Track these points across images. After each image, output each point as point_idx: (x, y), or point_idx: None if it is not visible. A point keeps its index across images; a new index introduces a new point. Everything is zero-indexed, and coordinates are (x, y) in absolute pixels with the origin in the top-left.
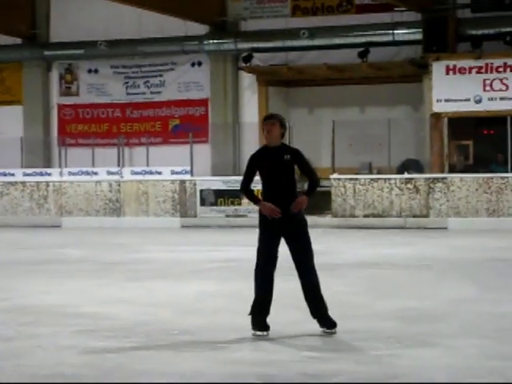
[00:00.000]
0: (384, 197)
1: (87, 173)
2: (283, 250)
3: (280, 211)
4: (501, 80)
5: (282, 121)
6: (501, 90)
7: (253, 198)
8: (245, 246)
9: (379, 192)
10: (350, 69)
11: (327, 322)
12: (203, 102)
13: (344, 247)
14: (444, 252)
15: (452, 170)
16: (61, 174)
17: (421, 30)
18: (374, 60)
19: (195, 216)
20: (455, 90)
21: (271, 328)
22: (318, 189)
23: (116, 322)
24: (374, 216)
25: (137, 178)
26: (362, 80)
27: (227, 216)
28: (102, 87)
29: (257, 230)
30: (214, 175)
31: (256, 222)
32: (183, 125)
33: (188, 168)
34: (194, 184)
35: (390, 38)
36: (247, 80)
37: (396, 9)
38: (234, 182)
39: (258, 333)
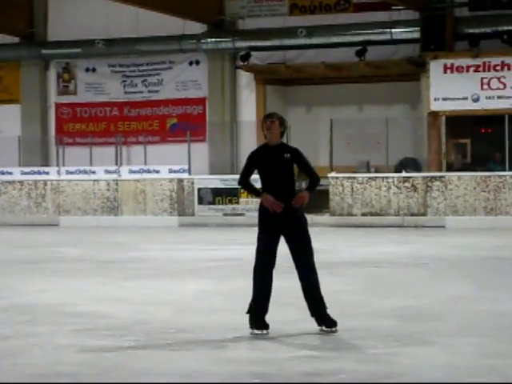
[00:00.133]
0: (382, 195)
1: (85, 171)
2: (282, 248)
3: (281, 205)
4: (498, 78)
5: (281, 119)
6: (498, 89)
7: (253, 190)
8: (243, 245)
9: (377, 190)
10: (348, 67)
11: (326, 321)
12: (201, 101)
13: (342, 246)
14: (442, 250)
15: (450, 168)
16: (58, 172)
17: (418, 28)
18: (371, 59)
19: (193, 215)
20: (453, 88)
21: (270, 327)
22: (317, 188)
23: (114, 321)
24: (372, 214)
25: (134, 177)
26: (360, 79)
27: (225, 214)
28: (100, 86)
29: (255, 229)
30: (211, 174)
31: (254, 220)
32: (181, 123)
33: (186, 167)
34: (192, 183)
35: (387, 37)
36: (245, 79)
37: (394, 7)
38: (232, 180)
39: (257, 331)
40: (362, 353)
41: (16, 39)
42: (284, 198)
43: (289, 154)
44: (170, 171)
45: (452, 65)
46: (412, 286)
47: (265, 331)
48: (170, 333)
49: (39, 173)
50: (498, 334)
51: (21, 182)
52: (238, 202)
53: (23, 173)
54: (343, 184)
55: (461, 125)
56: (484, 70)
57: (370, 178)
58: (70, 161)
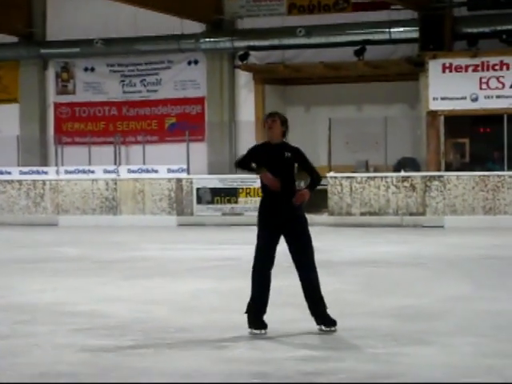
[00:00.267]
0: (380, 195)
1: (84, 171)
2: (281, 248)
3: (280, 186)
4: (497, 78)
5: (283, 119)
6: (497, 88)
7: (251, 168)
8: (241, 244)
9: (376, 190)
10: (347, 67)
11: (326, 320)
12: (199, 101)
13: (341, 245)
14: (440, 250)
15: (448, 168)
16: (57, 172)
17: (417, 28)
18: (370, 58)
19: (192, 214)
20: (451, 88)
21: (268, 326)
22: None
23: (113, 320)
24: (371, 214)
25: (133, 177)
26: (359, 78)
27: (224, 214)
28: (99, 85)
29: (254, 229)
30: (210, 173)
31: (253, 220)
32: (180, 123)
33: (184, 166)
34: (191, 182)
35: (386, 36)
36: (244, 78)
37: (392, 7)
38: (231, 180)
39: (255, 331)
40: (361, 352)
41: (15, 39)
42: (284, 197)
43: (289, 153)
44: (169, 171)
45: (451, 64)
46: (411, 286)
47: (263, 331)
48: (169, 332)
49: (38, 172)
50: (496, 334)
51: (19, 182)
52: (236, 202)
53: (22, 172)
54: (342, 183)
55: (459, 124)
56: (483, 70)
57: (368, 177)
58: (68, 160)
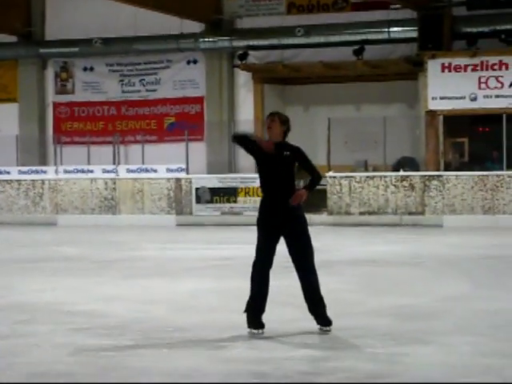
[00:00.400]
0: (379, 194)
1: (83, 171)
2: (281, 247)
3: (273, 147)
4: (496, 78)
5: (282, 118)
6: (496, 88)
7: (246, 136)
8: (240, 244)
9: (375, 189)
10: (346, 67)
11: (324, 321)
12: (199, 100)
13: (339, 245)
14: (439, 249)
15: (447, 167)
16: (56, 171)
17: (416, 27)
18: (369, 58)
19: (191, 214)
20: (450, 87)
21: (267, 326)
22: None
23: (111, 320)
24: (370, 213)
25: (132, 176)
26: (358, 78)
27: (223, 214)
28: (98, 85)
29: (253, 228)
30: (209, 173)
31: (252, 219)
32: (179, 123)
33: (183, 166)
34: (190, 182)
35: (385, 36)
36: (243, 78)
37: (392, 6)
38: (230, 179)
39: (254, 331)
40: (360, 352)
41: (14, 38)
42: (283, 196)
43: (288, 152)
44: (168, 170)
45: (450, 64)
46: (409, 285)
47: (260, 331)
48: (168, 332)
49: (37, 172)
50: (494, 333)
51: (18, 181)
52: (235, 202)
53: (21, 172)
54: (341, 183)
55: (458, 124)
56: (482, 69)
57: (367, 177)
58: (67, 160)
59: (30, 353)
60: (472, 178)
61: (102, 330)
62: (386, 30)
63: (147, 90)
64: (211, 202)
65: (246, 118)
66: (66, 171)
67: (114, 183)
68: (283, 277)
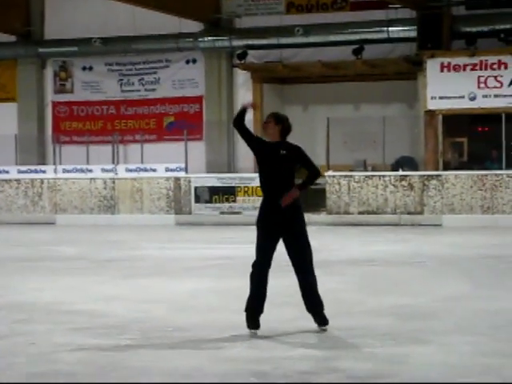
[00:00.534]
0: (378, 194)
1: (82, 170)
2: (280, 247)
3: (255, 103)
4: (495, 77)
5: (277, 118)
6: (495, 87)
7: (245, 127)
8: (239, 244)
9: (374, 189)
10: (345, 66)
11: (321, 319)
12: (198, 99)
13: (338, 244)
14: (438, 249)
15: (446, 167)
16: (55, 171)
17: (415, 27)
18: (368, 57)
19: (190, 213)
20: (450, 87)
21: (267, 325)
22: (313, 186)
23: (111, 320)
24: (369, 213)
25: (131, 176)
26: (357, 77)
27: (222, 213)
28: (97, 84)
29: (252, 228)
30: (208, 172)
31: (251, 219)
32: (178, 122)
33: (183, 165)
34: (189, 181)
35: (384, 36)
36: (242, 77)
37: (391, 6)
38: (229, 179)
39: (252, 330)
40: (359, 351)
41: (13, 37)
42: (281, 195)
43: (285, 151)
44: (167, 170)
45: (449, 63)
46: (409, 285)
47: (253, 331)
48: (167, 331)
49: (36, 171)
50: (494, 333)
51: (17, 181)
52: (234, 201)
53: (20, 171)
54: (340, 182)
55: (457, 123)
56: (481, 69)
57: (366, 176)
58: (66, 159)
59: (29, 352)
60: (471, 177)
61: (102, 329)
62: (385, 29)
63: (146, 90)
64: (210, 201)
65: (245, 117)
66: (65, 171)
67: (113, 183)
68: (283, 276)
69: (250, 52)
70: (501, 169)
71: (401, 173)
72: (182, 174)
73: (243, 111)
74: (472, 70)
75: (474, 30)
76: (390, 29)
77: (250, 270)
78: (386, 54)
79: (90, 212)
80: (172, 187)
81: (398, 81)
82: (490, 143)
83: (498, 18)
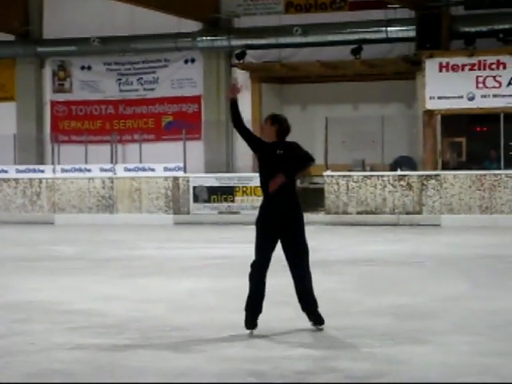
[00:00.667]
0: (377, 194)
1: (80, 170)
2: (278, 247)
3: (239, 89)
4: (494, 77)
5: (273, 118)
6: (494, 87)
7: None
8: (238, 243)
9: (372, 189)
10: (344, 66)
11: (316, 318)
12: (196, 99)
13: (337, 244)
14: (437, 249)
15: (445, 167)
16: (54, 170)
17: (414, 27)
18: (367, 57)
19: (188, 213)
20: (448, 87)
21: (265, 325)
22: (312, 186)
23: (109, 319)
24: (367, 213)
25: (130, 175)
26: (355, 77)
27: (220, 213)
28: (95, 84)
29: (250, 227)
30: (207, 172)
31: (249, 218)
32: (176, 122)
33: (181, 165)
34: (187, 181)
35: (383, 35)
36: (240, 77)
37: (389, 6)
38: (227, 179)
39: (250, 330)
40: (358, 351)
41: (11, 37)
42: (281, 196)
43: (282, 151)
44: (166, 169)
45: (447, 63)
46: (407, 285)
47: (249, 331)
48: (165, 331)
49: (34, 171)
50: (492, 333)
51: (16, 180)
52: (233, 201)
53: (18, 171)
54: (338, 182)
55: (456, 123)
56: (479, 69)
57: (365, 176)
58: (65, 159)
59: (27, 352)
60: (469, 177)
61: (100, 329)
62: (384, 29)
63: (145, 89)
64: (209, 201)
65: (244, 117)
66: (63, 170)
67: (112, 182)
68: (281, 276)
69: (249, 52)
70: (499, 169)
71: (399, 173)
72: (180, 174)
73: (234, 106)
74: (471, 69)
75: (472, 29)
76: (389, 29)
77: (249, 269)
78: (384, 53)
79: (89, 211)
80: (170, 187)
81: (397, 81)
82: (489, 143)
83: (497, 18)
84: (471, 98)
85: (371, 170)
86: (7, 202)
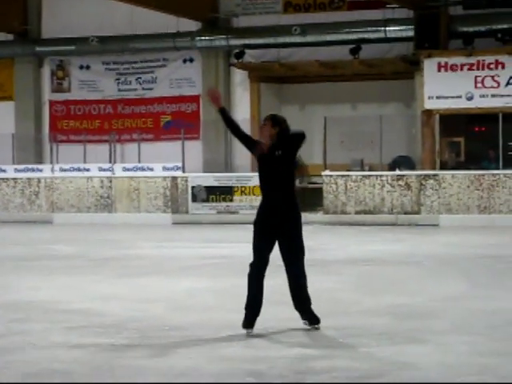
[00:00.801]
0: (375, 193)
1: (79, 169)
2: (276, 247)
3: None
4: (492, 77)
5: (274, 120)
6: (492, 87)
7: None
8: (236, 243)
9: (371, 189)
10: (342, 65)
11: (311, 317)
12: (195, 99)
13: (335, 244)
14: (435, 249)
15: (443, 166)
16: (52, 170)
17: (413, 26)
18: (365, 57)
19: (187, 212)
20: (447, 86)
21: (263, 324)
22: (310, 185)
23: (108, 319)
24: (366, 213)
25: (128, 175)
26: (354, 77)
27: (219, 212)
28: (94, 83)
29: (249, 227)
30: (205, 172)
31: (248, 218)
32: (175, 121)
33: (180, 164)
34: (186, 180)
35: (381, 35)
36: (239, 76)
37: (388, 5)
38: (226, 178)
39: (247, 330)
40: (355, 351)
41: (10, 36)
42: (281, 197)
43: (280, 151)
44: (164, 169)
45: (446, 63)
46: (405, 285)
47: (248, 330)
48: (164, 330)
49: (33, 170)
50: (491, 333)
51: (14, 180)
52: (231, 200)
53: (17, 170)
54: (337, 182)
55: (455, 123)
56: (478, 69)
57: (363, 176)
58: (63, 158)
59: (26, 351)
60: (468, 177)
61: (98, 328)
62: (383, 29)
63: (143, 89)
64: (207, 200)
65: (243, 116)
66: (62, 169)
67: (110, 182)
68: (279, 276)
69: (248, 51)
70: (498, 169)
71: (398, 172)
72: (179, 174)
73: (223, 113)
74: (469, 69)
75: (471, 29)
76: (388, 28)
77: (247, 269)
78: (383, 53)
79: (87, 211)
80: (169, 186)
81: (395, 80)
82: (487, 143)
83: (495, 17)
84: (470, 98)
85: (370, 169)
86: (6, 201)
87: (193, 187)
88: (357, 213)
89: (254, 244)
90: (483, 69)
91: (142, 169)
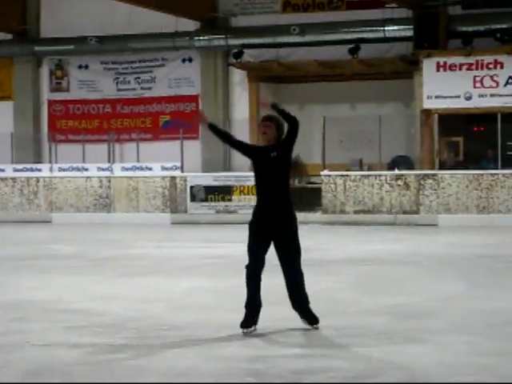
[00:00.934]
0: (374, 193)
1: (77, 169)
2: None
3: (203, 118)
4: (491, 77)
5: (278, 123)
6: (491, 87)
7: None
8: (235, 243)
9: (369, 188)
10: (341, 65)
11: (309, 317)
12: (194, 98)
13: (334, 243)
14: (434, 248)
15: (442, 166)
16: (51, 169)
17: (412, 26)
18: (364, 56)
19: (186, 212)
20: (446, 86)
21: (261, 324)
22: (309, 185)
23: (107, 318)
24: (365, 212)
25: (127, 174)
26: (353, 76)
27: (217, 212)
28: (93, 83)
29: (247, 226)
30: (204, 171)
31: (246, 218)
32: (174, 121)
33: (178, 164)
34: (185, 180)
35: (380, 35)
36: (238, 76)
37: (387, 5)
38: (225, 178)
39: (244, 330)
40: (354, 351)
41: (9, 36)
42: (276, 198)
43: (275, 153)
44: (163, 168)
45: (445, 63)
46: (404, 284)
47: (245, 330)
48: (163, 330)
49: (32, 170)
50: (490, 332)
51: (13, 179)
52: (230, 200)
53: (16, 170)
54: (336, 182)
55: (453, 123)
56: (477, 69)
57: (362, 175)
58: (62, 158)
59: (25, 351)
60: (467, 176)
61: (97, 328)
62: (382, 28)
63: (142, 88)
64: (206, 200)
65: (241, 116)
66: (60, 169)
67: (109, 181)
68: (277, 276)
69: (246, 51)
70: (496, 168)
71: (397, 172)
72: (177, 173)
73: (213, 128)
74: (468, 69)
75: (470, 29)
76: (386, 28)
77: (245, 271)
78: (382, 53)
79: (86, 210)
80: (168, 186)
81: (394, 80)
82: (486, 143)
83: (494, 17)
84: (468, 98)
85: (368, 169)
86: (4, 200)
87: (191, 187)
88: (355, 212)
89: (249, 246)
90: (482, 68)
91: (141, 168)
